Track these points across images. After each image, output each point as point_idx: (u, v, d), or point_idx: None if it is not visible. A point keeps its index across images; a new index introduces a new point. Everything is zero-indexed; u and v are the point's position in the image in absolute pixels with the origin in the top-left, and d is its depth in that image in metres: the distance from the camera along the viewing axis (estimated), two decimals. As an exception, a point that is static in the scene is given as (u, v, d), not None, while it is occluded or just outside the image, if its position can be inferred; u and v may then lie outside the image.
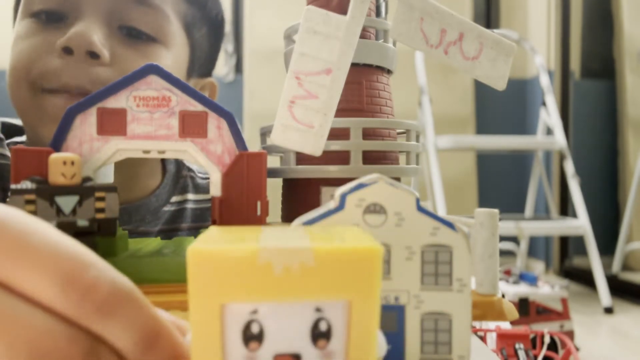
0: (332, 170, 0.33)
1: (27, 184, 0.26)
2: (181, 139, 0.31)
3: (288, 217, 0.37)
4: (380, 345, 0.17)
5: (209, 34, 0.58)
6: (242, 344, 0.14)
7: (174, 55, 0.51)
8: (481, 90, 2.37)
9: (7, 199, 0.25)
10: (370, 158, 0.35)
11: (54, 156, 0.27)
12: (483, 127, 2.34)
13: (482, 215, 0.26)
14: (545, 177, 1.99)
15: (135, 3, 0.48)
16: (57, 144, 0.29)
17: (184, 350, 0.16)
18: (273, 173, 0.35)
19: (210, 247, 0.13)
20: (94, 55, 0.45)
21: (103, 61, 0.46)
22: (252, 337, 0.14)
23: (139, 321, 0.15)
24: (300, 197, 0.35)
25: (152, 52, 0.49)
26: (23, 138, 0.56)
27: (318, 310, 0.14)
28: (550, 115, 1.84)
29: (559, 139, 1.76)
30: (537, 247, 2.26)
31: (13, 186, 0.25)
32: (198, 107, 0.31)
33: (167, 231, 0.59)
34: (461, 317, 0.20)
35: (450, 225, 0.20)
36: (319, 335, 0.14)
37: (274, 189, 0.39)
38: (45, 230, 0.15)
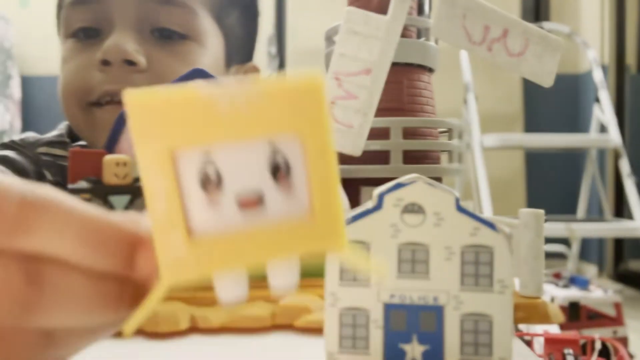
0: (372, 170, 0.33)
1: (82, 184, 0.27)
2: (225, 140, 0.32)
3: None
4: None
5: (241, 17, 0.59)
6: (200, 190, 0.13)
7: (208, 50, 0.53)
8: (530, 87, 2.29)
9: None
10: (411, 157, 0.35)
11: (108, 158, 0.29)
12: (532, 124, 2.26)
13: (527, 216, 0.26)
14: (599, 177, 1.90)
15: (161, 4, 0.49)
16: (110, 146, 0.31)
17: (141, 236, 0.15)
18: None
19: (149, 91, 0.13)
20: (130, 63, 0.47)
21: (140, 67, 0.48)
22: (209, 181, 0.13)
23: (72, 223, 0.14)
24: (341, 197, 0.36)
25: (186, 51, 0.50)
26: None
27: (273, 146, 0.13)
28: (604, 111, 1.75)
29: (614, 137, 1.68)
30: (589, 249, 2.16)
31: (70, 186, 0.27)
32: (241, 109, 0.32)
33: None
34: (502, 318, 0.20)
35: (491, 225, 0.20)
36: (278, 171, 0.13)
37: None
38: None
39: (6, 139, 0.59)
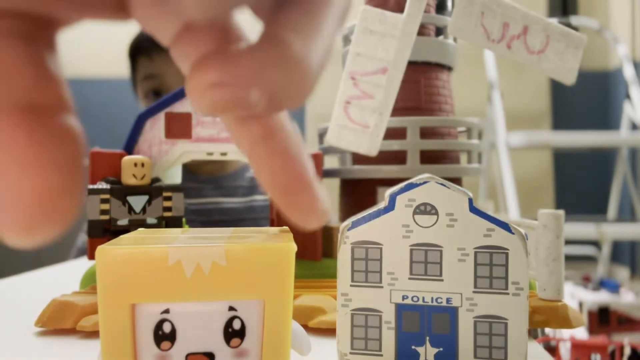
0: (389, 170, 0.33)
1: (102, 184, 0.28)
2: (241, 141, 0.32)
3: (345, 217, 0.37)
4: (306, 344, 0.17)
5: None
6: (153, 344, 0.14)
7: None
8: (558, 84, 2.23)
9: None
10: (429, 157, 0.34)
11: (126, 158, 0.29)
12: (560, 122, 2.21)
13: (546, 217, 0.25)
14: (630, 176, 1.84)
15: None
16: (129, 147, 0.32)
17: None
18: (330, 173, 0.36)
19: (118, 247, 0.13)
20: None
21: None
22: (164, 336, 0.14)
23: None
24: (357, 198, 0.36)
25: None
26: None
27: (232, 309, 0.14)
28: (635, 109, 1.70)
29: (646, 135, 1.62)
30: (621, 252, 2.09)
31: (90, 186, 0.28)
32: (257, 109, 0.32)
33: (237, 221, 0.76)
34: (517, 321, 0.19)
35: (506, 226, 0.20)
36: (233, 334, 0.14)
37: (334, 189, 0.39)
38: None
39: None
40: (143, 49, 0.77)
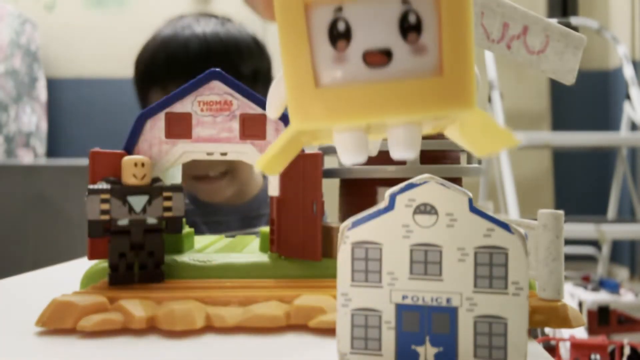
0: (389, 171, 0.33)
1: (102, 184, 0.28)
2: (242, 141, 0.32)
3: (345, 217, 0.37)
4: None
5: None
6: (329, 44, 0.13)
7: None
8: (558, 84, 2.23)
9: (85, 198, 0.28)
10: (429, 157, 0.34)
11: (127, 158, 0.29)
12: (560, 123, 2.21)
13: (546, 217, 0.25)
14: (630, 176, 1.84)
15: None
16: (130, 147, 0.32)
17: None
18: (330, 173, 0.36)
19: None
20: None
21: None
22: (339, 35, 0.13)
23: None
24: (357, 198, 0.36)
25: None
26: None
27: (405, 2, 0.13)
28: (635, 109, 1.70)
29: (646, 135, 1.62)
30: (621, 252, 2.09)
31: (90, 186, 0.28)
32: (257, 110, 0.32)
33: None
34: (517, 321, 0.19)
35: (505, 226, 0.20)
36: (409, 28, 0.13)
37: (333, 189, 0.39)
38: None
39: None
40: (156, 79, 0.71)
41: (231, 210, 0.76)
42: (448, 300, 0.20)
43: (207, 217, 0.75)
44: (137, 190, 0.29)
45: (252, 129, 0.32)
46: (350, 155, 0.15)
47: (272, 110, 0.18)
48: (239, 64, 0.72)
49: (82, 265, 0.38)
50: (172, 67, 0.70)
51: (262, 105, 0.32)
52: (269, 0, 0.14)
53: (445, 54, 0.13)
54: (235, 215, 0.76)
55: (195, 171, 0.72)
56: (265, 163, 0.15)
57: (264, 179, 0.81)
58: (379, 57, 0.13)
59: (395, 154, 0.15)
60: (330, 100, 0.13)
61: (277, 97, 0.17)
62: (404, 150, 0.15)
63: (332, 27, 0.13)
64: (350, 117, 0.13)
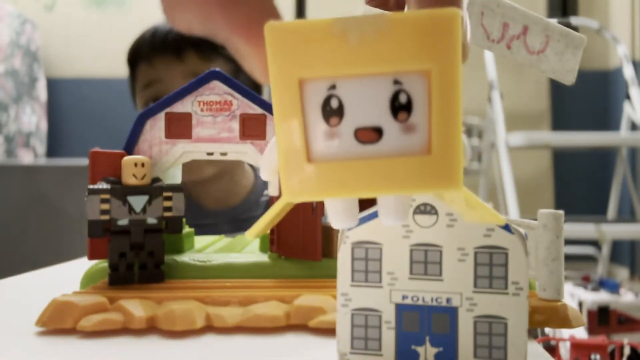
0: (389, 170, 0.33)
1: (102, 184, 0.28)
2: (242, 141, 0.32)
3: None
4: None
5: None
6: (322, 120, 0.14)
7: None
8: (558, 84, 2.23)
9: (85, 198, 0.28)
10: (429, 157, 0.34)
11: (127, 158, 0.29)
12: (560, 123, 2.21)
13: (546, 217, 0.25)
14: (630, 176, 1.84)
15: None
16: (130, 147, 0.32)
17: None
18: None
19: (286, 22, 0.13)
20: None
21: None
22: (332, 112, 0.14)
23: None
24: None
25: None
26: None
27: (397, 82, 0.13)
28: (635, 109, 1.70)
29: (646, 135, 1.62)
30: (621, 252, 2.09)
31: (90, 186, 0.28)
32: (257, 110, 0.32)
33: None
34: (517, 321, 0.19)
35: (505, 226, 0.20)
36: (399, 107, 0.14)
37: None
38: None
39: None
40: (143, 55, 0.73)
41: (220, 213, 0.76)
42: (448, 300, 0.20)
43: (196, 220, 0.74)
44: (137, 190, 0.29)
45: (252, 129, 0.32)
46: (341, 221, 0.15)
47: (267, 173, 0.19)
48: None
49: (82, 265, 0.38)
50: (157, 40, 0.73)
51: (262, 105, 0.32)
52: (265, 66, 0.14)
53: (434, 134, 0.14)
54: (224, 218, 0.76)
55: (186, 175, 0.72)
56: (257, 233, 0.17)
57: (255, 179, 0.81)
58: (370, 135, 0.14)
59: (385, 221, 0.16)
60: (321, 175, 0.14)
61: (271, 163, 0.18)
62: (394, 218, 0.15)
63: (326, 103, 0.14)
64: (341, 193, 0.14)
